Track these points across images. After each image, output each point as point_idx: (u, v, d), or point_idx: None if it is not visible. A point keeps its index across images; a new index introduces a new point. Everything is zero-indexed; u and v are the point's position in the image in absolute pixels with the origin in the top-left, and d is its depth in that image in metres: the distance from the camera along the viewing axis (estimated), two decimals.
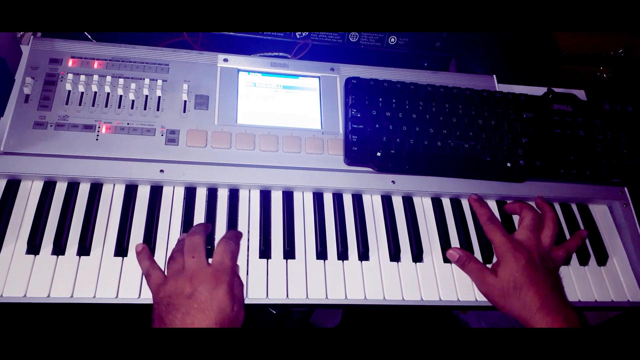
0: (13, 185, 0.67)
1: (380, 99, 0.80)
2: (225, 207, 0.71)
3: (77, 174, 0.68)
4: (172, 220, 0.69)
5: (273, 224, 0.71)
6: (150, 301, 0.62)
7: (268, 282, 0.66)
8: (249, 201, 0.73)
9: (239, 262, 0.66)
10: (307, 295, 0.66)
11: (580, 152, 0.82)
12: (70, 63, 0.75)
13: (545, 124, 0.83)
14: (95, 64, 0.76)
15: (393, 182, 0.76)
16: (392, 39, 0.95)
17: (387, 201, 0.76)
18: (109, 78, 0.74)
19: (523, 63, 1.03)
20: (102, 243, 0.66)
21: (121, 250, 0.65)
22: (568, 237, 0.78)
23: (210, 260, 0.63)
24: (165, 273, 0.63)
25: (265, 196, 0.73)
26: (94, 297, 0.62)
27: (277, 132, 0.76)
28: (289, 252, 0.69)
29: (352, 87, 0.80)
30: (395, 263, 0.71)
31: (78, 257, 0.64)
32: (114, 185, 0.70)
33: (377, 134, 0.77)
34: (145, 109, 0.74)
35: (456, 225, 0.76)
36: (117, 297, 0.62)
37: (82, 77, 0.74)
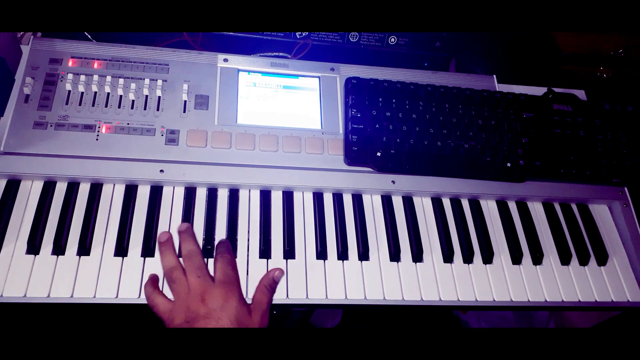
0: (13, 185, 0.67)
1: (380, 99, 0.79)
2: (225, 207, 0.71)
3: (77, 174, 0.68)
4: (172, 221, 0.69)
5: (273, 224, 0.71)
6: None
7: None
8: (249, 201, 0.73)
9: (238, 262, 0.66)
10: (307, 295, 0.66)
11: (580, 152, 0.82)
12: (70, 63, 0.75)
13: (545, 124, 0.83)
14: (95, 64, 0.76)
15: (393, 182, 0.76)
16: (392, 39, 0.95)
17: (387, 201, 0.76)
18: (109, 78, 0.74)
19: (523, 63, 1.03)
20: (102, 243, 0.66)
21: (121, 250, 0.65)
22: (568, 237, 0.78)
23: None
24: (171, 295, 0.61)
25: (265, 196, 0.73)
26: (94, 297, 0.62)
27: (277, 132, 0.76)
28: (289, 252, 0.69)
29: (352, 87, 0.80)
30: (395, 263, 0.71)
31: (78, 257, 0.64)
32: (114, 185, 0.70)
33: (377, 134, 0.77)
34: (145, 109, 0.74)
35: (456, 225, 0.76)
36: (117, 297, 0.62)
37: (82, 77, 0.74)
